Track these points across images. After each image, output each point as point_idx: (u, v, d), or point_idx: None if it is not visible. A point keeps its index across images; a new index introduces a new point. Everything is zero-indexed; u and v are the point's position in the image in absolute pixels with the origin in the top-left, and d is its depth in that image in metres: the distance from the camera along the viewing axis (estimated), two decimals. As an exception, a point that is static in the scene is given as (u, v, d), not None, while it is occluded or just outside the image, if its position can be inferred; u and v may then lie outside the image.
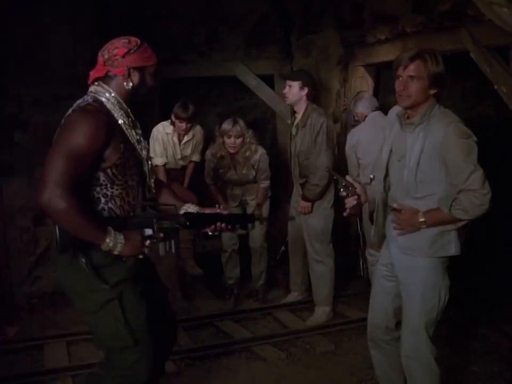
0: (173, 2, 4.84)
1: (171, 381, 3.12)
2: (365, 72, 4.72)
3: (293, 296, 4.36)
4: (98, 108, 1.99)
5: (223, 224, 2.20)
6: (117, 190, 2.03)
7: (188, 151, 4.62)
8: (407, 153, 2.30)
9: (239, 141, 4.08)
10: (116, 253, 1.96)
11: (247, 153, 4.14)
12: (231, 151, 4.11)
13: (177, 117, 4.35)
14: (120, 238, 1.96)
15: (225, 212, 2.23)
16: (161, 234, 2.05)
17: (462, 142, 2.17)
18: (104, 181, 2.01)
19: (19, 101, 4.10)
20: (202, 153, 4.63)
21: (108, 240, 1.93)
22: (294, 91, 3.87)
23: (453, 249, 2.29)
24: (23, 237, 4.16)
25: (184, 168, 4.70)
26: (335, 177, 2.44)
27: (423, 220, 2.25)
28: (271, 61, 5.20)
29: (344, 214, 2.45)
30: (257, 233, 4.39)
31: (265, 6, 5.05)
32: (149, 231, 2.01)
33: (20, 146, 4.07)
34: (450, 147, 2.18)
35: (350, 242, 4.82)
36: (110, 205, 2.03)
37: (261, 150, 4.23)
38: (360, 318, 3.97)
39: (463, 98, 5.28)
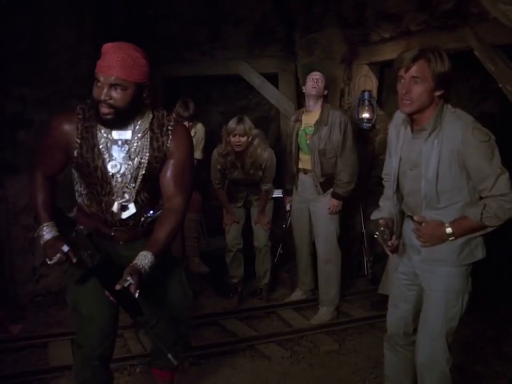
0: (174, 1, 4.83)
1: (175, 379, 3.12)
2: (369, 71, 4.71)
3: (297, 295, 4.36)
4: (77, 111, 2.06)
5: (112, 298, 1.94)
6: (84, 189, 2.17)
7: (190, 149, 4.61)
8: (422, 162, 2.13)
9: (244, 139, 4.04)
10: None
11: (258, 151, 4.10)
12: (237, 149, 4.07)
13: (178, 116, 4.34)
14: (47, 235, 2.12)
15: (133, 288, 1.91)
16: (74, 260, 2.03)
17: (483, 146, 2.03)
18: (76, 177, 2.20)
19: (22, 100, 4.10)
20: (205, 151, 4.62)
21: (40, 226, 2.14)
22: (323, 85, 3.95)
23: (480, 253, 2.19)
24: (27, 236, 4.16)
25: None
26: (375, 236, 2.29)
27: (450, 231, 2.11)
28: (274, 60, 5.18)
29: (390, 255, 2.36)
30: (261, 232, 4.40)
31: (267, 5, 5.03)
32: (66, 248, 2.05)
33: (23, 145, 4.07)
34: (471, 153, 2.03)
35: (354, 241, 4.81)
36: (80, 200, 2.22)
37: (269, 150, 4.21)
38: (364, 317, 3.99)
39: (467, 97, 5.26)
